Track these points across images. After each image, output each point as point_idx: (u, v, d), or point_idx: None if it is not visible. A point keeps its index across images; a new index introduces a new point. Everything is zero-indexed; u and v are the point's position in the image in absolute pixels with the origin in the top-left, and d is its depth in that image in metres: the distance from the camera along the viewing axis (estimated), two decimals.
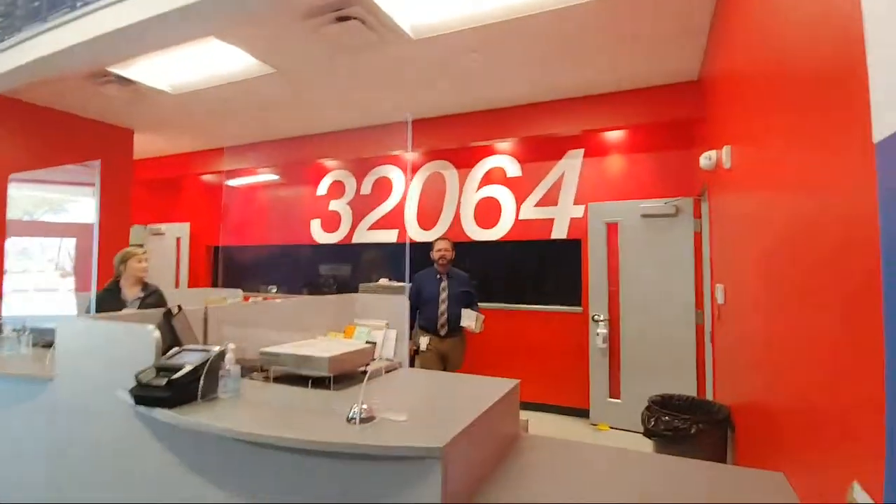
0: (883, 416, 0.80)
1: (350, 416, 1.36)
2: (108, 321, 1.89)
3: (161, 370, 1.57)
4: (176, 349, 1.70)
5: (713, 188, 3.27)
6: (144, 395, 1.52)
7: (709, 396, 3.67)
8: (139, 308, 2.89)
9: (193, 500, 1.47)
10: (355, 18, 2.99)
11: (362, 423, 1.34)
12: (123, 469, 1.65)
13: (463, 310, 3.81)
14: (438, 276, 3.96)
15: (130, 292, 3.05)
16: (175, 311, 2.04)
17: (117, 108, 4.80)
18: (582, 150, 4.80)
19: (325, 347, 1.96)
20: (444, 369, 3.73)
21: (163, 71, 3.97)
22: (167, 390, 1.50)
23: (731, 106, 2.53)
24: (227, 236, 6.72)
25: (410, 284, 3.83)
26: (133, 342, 1.71)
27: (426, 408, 1.64)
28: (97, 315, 2.12)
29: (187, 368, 1.55)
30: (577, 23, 3.09)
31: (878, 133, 0.83)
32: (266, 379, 1.87)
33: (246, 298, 4.09)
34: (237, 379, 1.63)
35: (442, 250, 3.95)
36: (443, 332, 3.83)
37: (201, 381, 1.56)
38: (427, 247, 5.40)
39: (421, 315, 3.91)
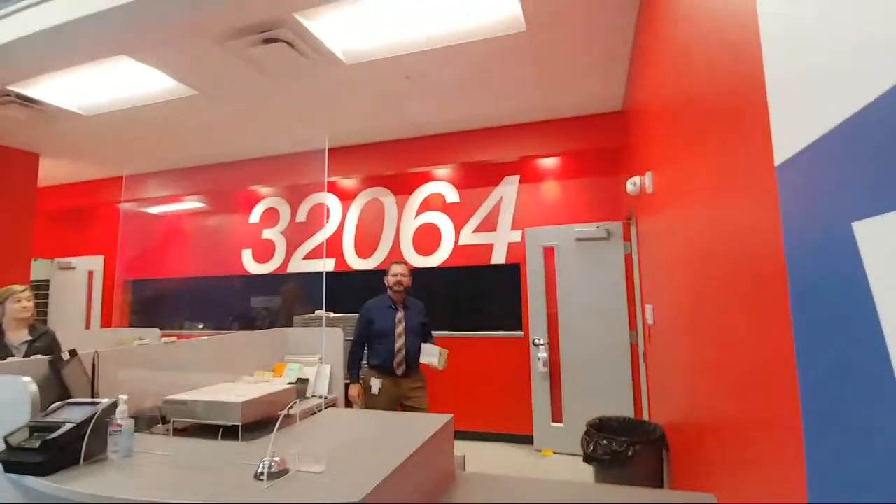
0: (801, 436, 0.79)
1: (258, 471, 1.21)
2: None
3: (35, 430, 1.34)
4: (58, 404, 1.47)
5: (639, 212, 3.40)
6: (14, 460, 1.29)
7: (645, 416, 3.73)
8: (25, 354, 2.54)
9: None
10: (283, 41, 2.89)
11: (272, 478, 1.19)
12: None
13: (423, 345, 3.32)
14: (392, 305, 3.36)
15: (16, 336, 2.68)
16: (66, 357, 1.80)
17: (19, 131, 4.37)
18: (518, 177, 4.89)
19: (241, 391, 1.78)
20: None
21: (72, 90, 3.64)
22: (41, 454, 1.28)
23: (650, 133, 2.64)
24: (147, 269, 6.22)
25: (358, 315, 3.42)
26: (5, 397, 1.47)
27: (350, 453, 1.51)
28: None
29: (67, 427, 1.33)
30: (507, 53, 3.17)
31: (779, 157, 0.84)
32: (169, 432, 1.66)
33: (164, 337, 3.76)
34: (130, 436, 1.43)
35: (399, 275, 3.37)
36: (399, 372, 3.24)
37: (85, 441, 1.35)
38: (365, 276, 5.25)
39: (371, 353, 3.31)
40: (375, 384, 3.21)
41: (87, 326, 6.03)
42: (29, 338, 2.66)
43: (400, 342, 3.27)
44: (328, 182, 5.49)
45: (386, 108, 4.11)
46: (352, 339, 3.36)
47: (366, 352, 3.36)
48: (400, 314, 3.35)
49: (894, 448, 0.53)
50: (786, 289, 0.83)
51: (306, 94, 3.77)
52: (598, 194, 4.60)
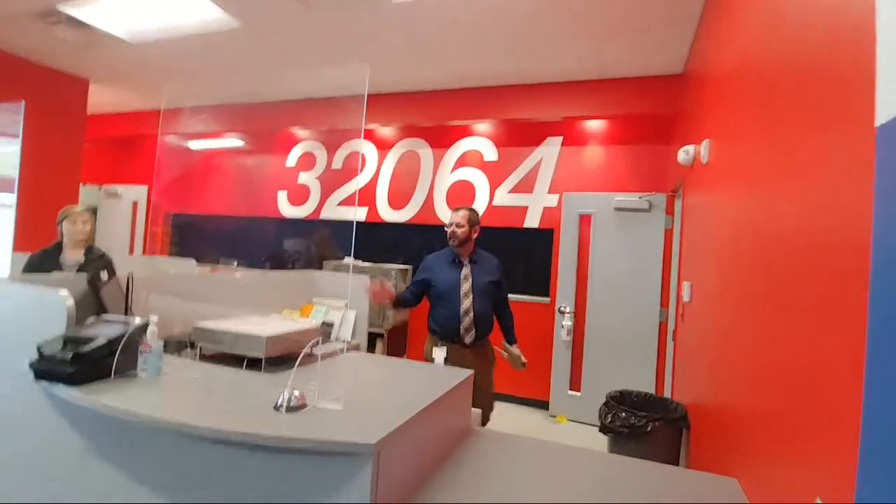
0: (858, 431, 0.72)
1: (278, 403, 1.22)
2: (18, 284, 1.69)
3: (69, 342, 1.39)
4: (91, 319, 1.52)
5: (689, 184, 3.21)
6: (45, 368, 1.34)
7: (667, 394, 3.67)
8: (78, 271, 2.65)
9: (99, 488, 1.31)
10: None
11: (290, 411, 1.20)
12: (26, 453, 1.47)
13: (505, 345, 2.89)
14: (456, 259, 2.82)
15: (71, 256, 2.79)
16: (104, 277, 1.85)
17: (70, 55, 4.42)
18: (561, 138, 4.69)
19: (267, 325, 1.80)
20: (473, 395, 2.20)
21: (120, 16, 3.63)
22: (73, 365, 1.32)
23: (714, 99, 2.44)
24: (187, 204, 6.38)
25: (420, 266, 2.94)
26: (43, 310, 1.52)
27: (369, 397, 1.51)
28: (7, 278, 1.89)
29: (99, 341, 1.37)
30: (563, 4, 2.94)
31: (882, 116, 0.73)
32: (197, 357, 1.71)
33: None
34: (159, 356, 1.47)
35: (452, 225, 2.78)
36: (468, 340, 2.68)
37: (116, 357, 1.39)
38: (397, 228, 5.22)
39: (433, 316, 2.79)
40: (439, 354, 2.22)
41: (131, 253, 6.29)
42: (82, 259, 2.76)
43: (466, 303, 2.70)
44: (366, 130, 5.41)
45: (430, 52, 3.94)
46: None
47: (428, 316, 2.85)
48: (465, 270, 2.77)
49: None
50: (866, 277, 0.74)
51: (350, 33, 3.64)
52: (644, 163, 4.37)
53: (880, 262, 0.71)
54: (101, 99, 5.62)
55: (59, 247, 2.80)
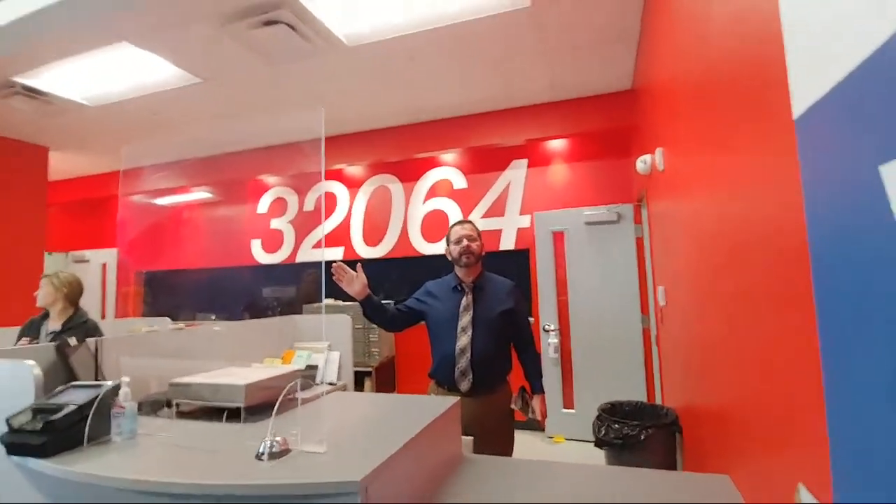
0: (824, 416, 0.75)
1: (260, 451, 1.19)
2: None
3: (38, 412, 1.34)
4: (62, 387, 1.47)
5: (650, 192, 3.32)
6: (15, 442, 1.29)
7: (658, 400, 3.68)
8: (51, 341, 2.57)
9: None
10: (283, 23, 2.85)
11: (273, 458, 1.17)
12: None
13: (523, 395, 2.26)
14: (458, 286, 2.23)
15: (53, 323, 2.74)
16: (73, 343, 1.80)
17: (27, 124, 4.40)
18: (526, 160, 4.82)
19: (245, 374, 1.77)
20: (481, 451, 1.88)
21: (76, 81, 3.65)
22: (43, 435, 1.27)
23: (661, 110, 2.56)
24: (158, 260, 6.27)
25: (419, 290, 2.36)
26: (12, 381, 1.47)
27: (355, 435, 1.49)
28: None
29: (69, 409, 1.33)
30: (511, 30, 3.09)
31: (798, 109, 0.79)
32: (176, 415, 1.66)
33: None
34: (133, 418, 1.42)
35: (464, 238, 2.21)
36: (464, 387, 2.10)
37: (88, 423, 1.35)
38: (373, 265, 5.21)
39: (432, 353, 2.26)
40: None
41: (103, 317, 6.10)
42: (58, 327, 2.69)
43: (464, 340, 2.12)
44: (335, 170, 5.46)
45: (390, 91, 4.05)
46: None
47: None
48: (467, 299, 2.19)
49: None
50: (807, 266, 0.78)
51: (309, 79, 3.73)
52: (608, 176, 4.51)
53: (818, 251, 0.75)
54: (65, 165, 5.57)
55: (46, 315, 2.77)
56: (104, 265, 6.43)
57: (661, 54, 2.46)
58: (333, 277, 2.09)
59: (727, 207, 1.37)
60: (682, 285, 2.26)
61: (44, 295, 2.74)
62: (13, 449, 1.29)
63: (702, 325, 1.86)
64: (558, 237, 4.56)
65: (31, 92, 3.71)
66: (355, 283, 2.12)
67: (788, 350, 0.95)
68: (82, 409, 1.35)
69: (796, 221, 0.82)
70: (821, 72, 0.69)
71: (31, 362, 1.46)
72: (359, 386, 4.13)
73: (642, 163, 2.88)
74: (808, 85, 0.75)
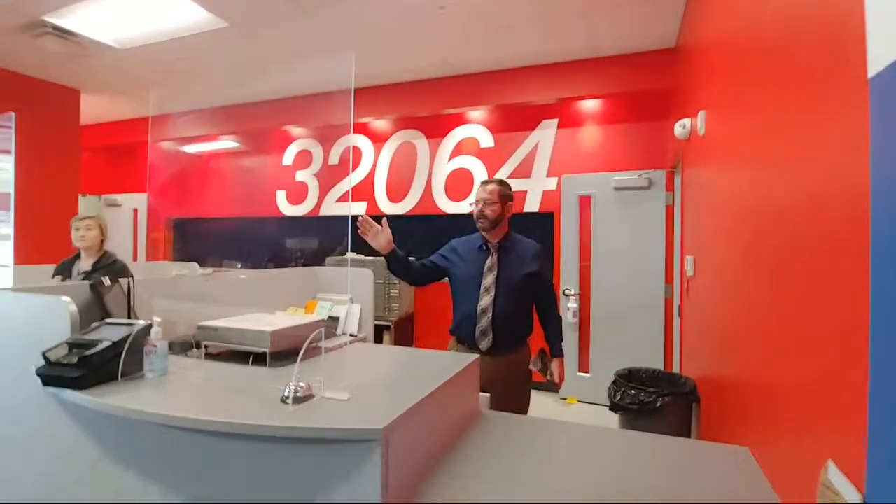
0: (866, 393, 0.72)
1: (284, 395, 1.22)
2: (24, 293, 1.69)
3: (74, 347, 1.39)
4: (96, 324, 1.52)
5: (687, 158, 3.18)
6: (52, 374, 1.35)
7: (676, 369, 3.67)
8: (83, 279, 2.66)
9: (112, 488, 1.32)
10: None
11: (297, 402, 1.21)
12: (40, 458, 1.48)
13: (542, 357, 2.30)
14: (484, 245, 2.26)
15: (85, 263, 2.83)
16: (107, 283, 1.86)
17: (60, 66, 4.42)
18: (556, 121, 4.66)
19: (271, 321, 1.81)
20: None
21: (106, 22, 3.62)
22: (79, 369, 1.33)
23: (709, 69, 2.41)
24: (186, 207, 6.39)
25: (443, 248, 2.38)
26: (48, 317, 1.53)
27: (376, 385, 1.52)
28: (12, 288, 1.90)
29: (104, 344, 1.38)
30: None
31: (874, 67, 0.71)
32: (202, 356, 1.71)
33: None
34: (164, 356, 1.47)
35: (480, 201, 2.21)
36: (484, 346, 2.13)
37: (122, 359, 1.40)
38: (396, 221, 5.23)
39: (454, 310, 2.27)
40: None
41: (135, 259, 6.31)
42: (89, 268, 2.78)
43: (486, 300, 2.13)
44: (360, 123, 5.38)
45: (419, 41, 3.91)
46: None
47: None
48: (492, 259, 2.20)
49: None
50: (867, 242, 0.72)
51: (338, 26, 3.61)
52: (642, 141, 4.34)
53: (880, 228, 0.69)
54: (96, 109, 5.61)
55: (78, 256, 2.85)
56: (135, 210, 6.58)
57: (715, 9, 2.29)
58: (359, 231, 2.08)
59: (775, 175, 1.29)
60: (715, 256, 2.19)
61: (93, 237, 2.82)
62: (50, 381, 1.35)
63: (735, 298, 1.81)
64: (585, 202, 4.46)
65: (62, 32, 3.69)
66: (380, 237, 2.11)
67: (835, 329, 0.90)
68: (116, 346, 1.40)
69: (858, 192, 0.76)
70: None
71: (67, 299, 1.51)
72: (378, 339, 4.22)
73: (681, 126, 2.75)
74: (889, 40, 0.68)
